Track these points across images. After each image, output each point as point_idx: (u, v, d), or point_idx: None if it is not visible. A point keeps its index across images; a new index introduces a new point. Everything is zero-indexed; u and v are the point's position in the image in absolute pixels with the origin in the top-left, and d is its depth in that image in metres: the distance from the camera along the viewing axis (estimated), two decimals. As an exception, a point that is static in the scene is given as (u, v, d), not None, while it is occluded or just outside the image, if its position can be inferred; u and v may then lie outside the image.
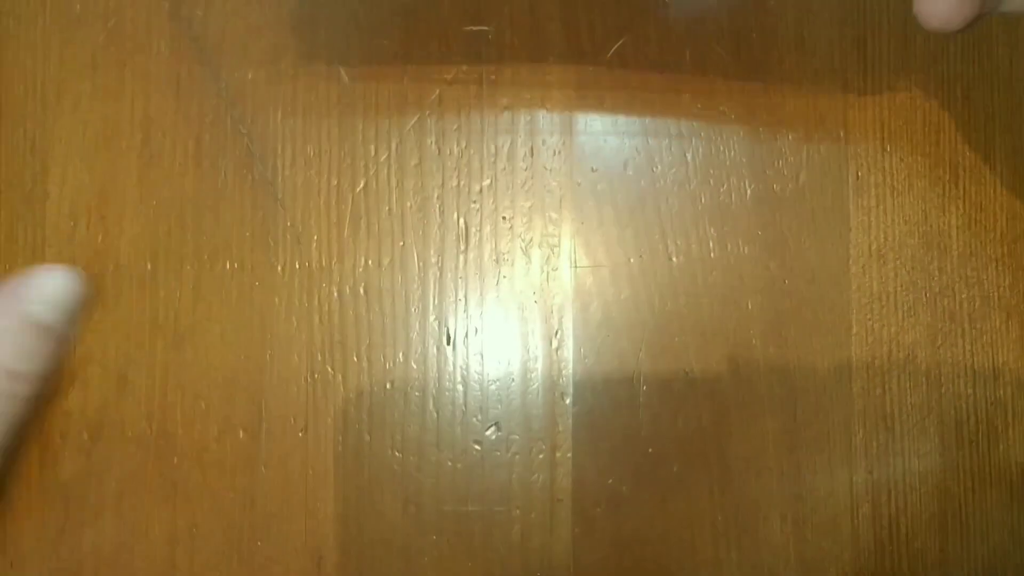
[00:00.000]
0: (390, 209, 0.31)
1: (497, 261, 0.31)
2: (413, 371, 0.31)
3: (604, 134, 0.31)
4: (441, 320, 0.31)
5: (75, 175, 0.31)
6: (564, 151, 0.31)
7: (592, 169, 0.31)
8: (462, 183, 0.31)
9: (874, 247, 0.31)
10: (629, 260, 0.31)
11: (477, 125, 0.31)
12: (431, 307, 0.31)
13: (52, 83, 0.31)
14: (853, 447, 0.31)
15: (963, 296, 0.31)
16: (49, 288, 0.20)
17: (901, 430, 0.31)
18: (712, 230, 0.31)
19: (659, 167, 0.31)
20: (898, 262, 0.31)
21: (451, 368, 0.31)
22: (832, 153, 0.32)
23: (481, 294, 0.31)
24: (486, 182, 0.31)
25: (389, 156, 0.31)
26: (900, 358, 0.31)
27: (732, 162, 0.31)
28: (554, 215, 0.31)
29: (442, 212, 0.31)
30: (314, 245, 0.31)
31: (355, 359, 0.31)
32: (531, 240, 0.31)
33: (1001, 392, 0.31)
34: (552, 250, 0.31)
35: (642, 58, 0.31)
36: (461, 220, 0.31)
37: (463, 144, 0.31)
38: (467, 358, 0.31)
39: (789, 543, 0.31)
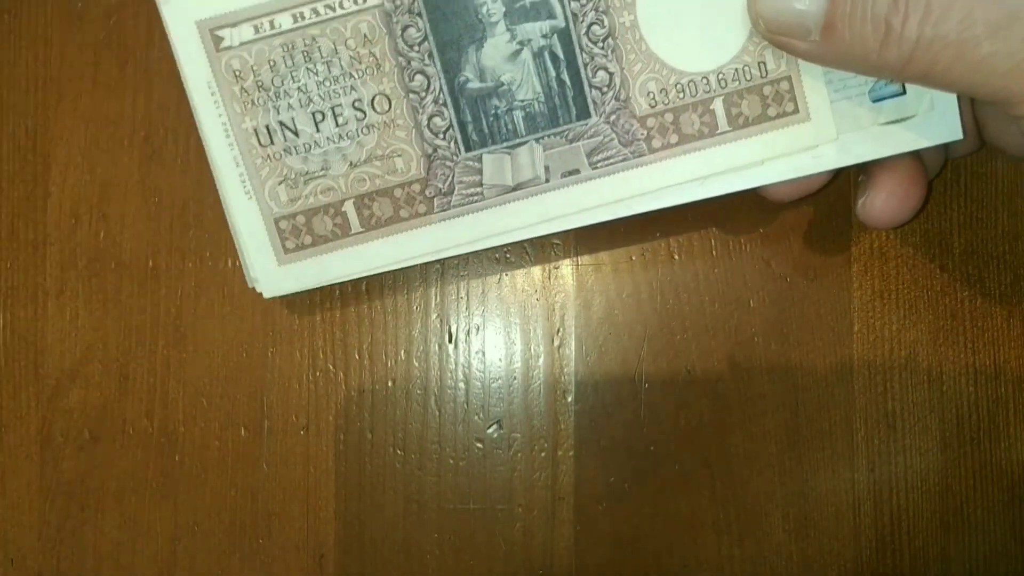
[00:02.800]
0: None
1: (499, 259, 0.31)
2: (415, 369, 0.31)
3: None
4: (443, 318, 0.31)
5: (76, 172, 0.31)
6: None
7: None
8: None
9: (876, 245, 0.31)
10: (631, 257, 0.31)
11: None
12: (433, 305, 0.31)
13: (53, 81, 0.31)
14: (855, 445, 0.31)
15: (964, 294, 0.31)
16: None
17: (903, 428, 0.31)
18: (713, 227, 0.31)
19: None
20: (899, 260, 0.31)
21: (453, 366, 0.31)
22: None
23: (483, 292, 0.31)
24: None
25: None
26: (902, 356, 0.31)
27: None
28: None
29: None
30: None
31: (356, 357, 0.31)
32: (533, 237, 0.31)
33: (1003, 390, 0.31)
34: (554, 248, 0.31)
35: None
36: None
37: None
38: (469, 356, 0.31)
39: (791, 540, 0.31)
